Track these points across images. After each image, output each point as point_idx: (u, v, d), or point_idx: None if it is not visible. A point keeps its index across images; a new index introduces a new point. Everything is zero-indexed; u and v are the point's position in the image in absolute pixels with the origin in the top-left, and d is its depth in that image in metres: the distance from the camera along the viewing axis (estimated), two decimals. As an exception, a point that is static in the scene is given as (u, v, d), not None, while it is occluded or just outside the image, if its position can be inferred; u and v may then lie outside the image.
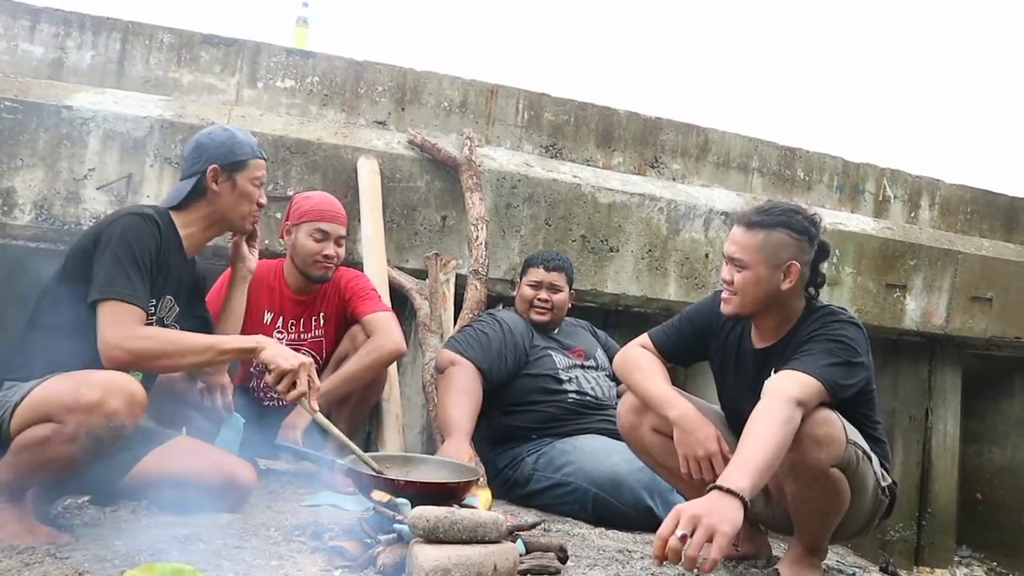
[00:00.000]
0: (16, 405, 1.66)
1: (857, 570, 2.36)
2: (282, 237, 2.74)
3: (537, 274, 2.95)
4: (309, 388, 1.83)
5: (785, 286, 1.87)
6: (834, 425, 1.73)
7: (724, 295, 1.94)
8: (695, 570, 1.42)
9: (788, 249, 1.86)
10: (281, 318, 2.68)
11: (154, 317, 1.93)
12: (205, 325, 2.16)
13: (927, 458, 4.39)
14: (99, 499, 1.99)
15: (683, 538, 1.40)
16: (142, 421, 2.15)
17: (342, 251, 2.67)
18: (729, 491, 1.47)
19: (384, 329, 2.58)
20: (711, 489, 1.49)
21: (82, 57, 3.27)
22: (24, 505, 1.72)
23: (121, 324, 1.76)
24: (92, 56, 3.28)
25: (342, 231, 2.65)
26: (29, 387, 1.69)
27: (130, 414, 1.66)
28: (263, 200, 2.10)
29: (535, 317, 2.94)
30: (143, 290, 1.83)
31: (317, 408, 1.87)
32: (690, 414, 1.90)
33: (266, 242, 2.95)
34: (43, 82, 3.16)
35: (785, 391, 1.68)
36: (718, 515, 1.42)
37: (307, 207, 2.64)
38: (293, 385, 1.82)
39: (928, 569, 4.19)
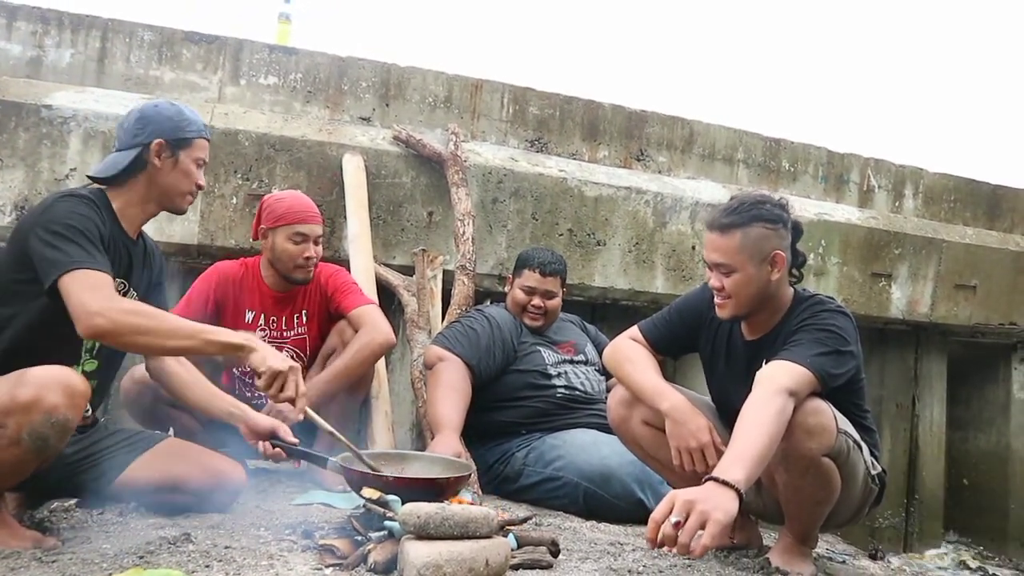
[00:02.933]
0: None
1: (847, 557, 2.38)
2: (255, 238, 2.71)
3: (531, 279, 2.88)
4: (296, 392, 1.78)
5: (775, 276, 1.88)
6: (825, 415, 1.74)
7: (717, 301, 1.92)
8: (686, 556, 1.42)
9: (769, 240, 1.86)
10: (263, 316, 2.66)
11: None
12: None
13: (914, 445, 4.43)
14: (88, 503, 1.97)
15: (677, 524, 1.41)
16: (127, 423, 2.14)
17: (321, 249, 2.65)
18: (724, 483, 1.47)
19: (371, 323, 2.57)
20: (707, 480, 1.49)
21: (61, 55, 3.23)
22: (4, 511, 1.69)
23: (98, 290, 1.63)
24: (71, 54, 3.24)
25: (319, 230, 2.63)
26: None
27: (72, 406, 1.58)
28: (202, 182, 1.96)
29: (528, 322, 2.92)
30: (103, 260, 1.70)
31: (306, 409, 1.85)
32: (681, 406, 1.90)
33: (234, 241, 2.93)
34: (21, 81, 3.11)
35: (776, 381, 1.68)
36: (713, 502, 1.43)
37: (282, 210, 2.59)
38: (282, 388, 1.77)
39: (917, 555, 4.23)
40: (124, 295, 1.90)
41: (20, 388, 1.56)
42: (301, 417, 1.87)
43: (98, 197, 1.85)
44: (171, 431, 2.38)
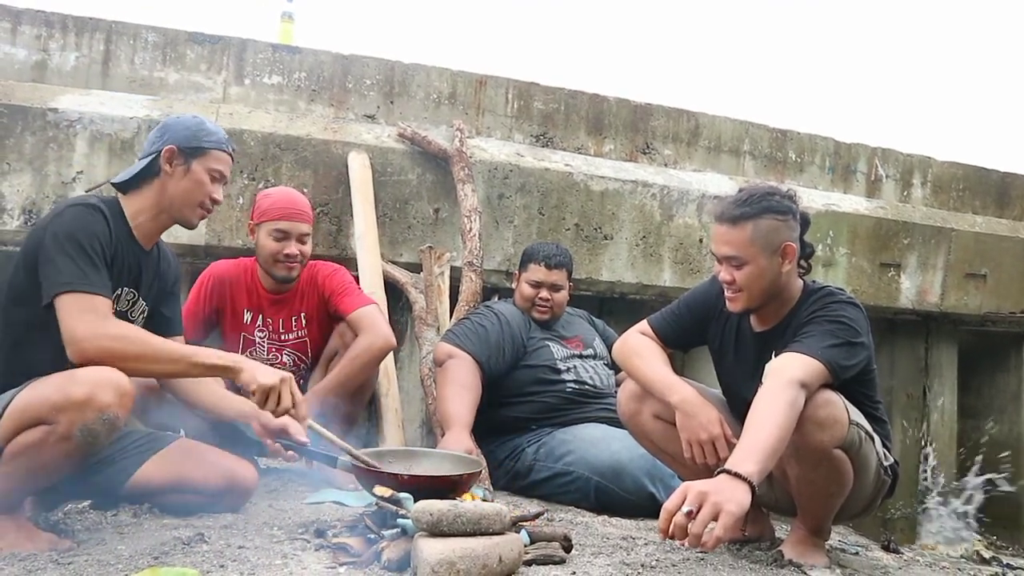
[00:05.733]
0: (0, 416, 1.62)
1: (860, 549, 2.37)
2: (249, 234, 2.68)
3: (538, 272, 2.90)
4: (293, 402, 1.78)
5: (785, 268, 1.87)
6: (836, 406, 1.73)
7: (728, 294, 1.91)
8: (699, 548, 1.42)
9: (779, 232, 1.85)
10: (260, 316, 2.65)
11: (115, 309, 1.82)
12: (170, 326, 2.04)
13: (925, 435, 4.41)
14: (103, 504, 1.98)
15: (689, 514, 1.41)
16: (134, 426, 2.15)
17: (307, 248, 2.59)
18: (737, 475, 1.47)
19: (371, 325, 2.54)
20: (719, 473, 1.49)
21: (66, 59, 3.24)
22: (21, 514, 1.71)
23: (87, 316, 1.65)
24: (76, 57, 3.25)
25: (304, 228, 2.57)
26: (9, 397, 1.65)
27: (121, 405, 1.62)
28: (217, 196, 1.94)
29: (536, 316, 2.93)
30: (99, 279, 1.71)
31: (310, 423, 1.86)
32: (692, 398, 1.90)
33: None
34: (27, 85, 3.12)
35: (788, 373, 1.67)
36: (726, 494, 1.43)
37: (266, 205, 2.58)
38: (278, 402, 1.76)
39: (929, 546, 4.21)
40: (133, 304, 1.92)
41: (74, 386, 1.59)
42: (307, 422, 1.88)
43: (110, 206, 1.85)
44: (181, 432, 2.38)
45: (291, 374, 1.82)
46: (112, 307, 1.77)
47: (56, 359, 1.68)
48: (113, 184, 1.94)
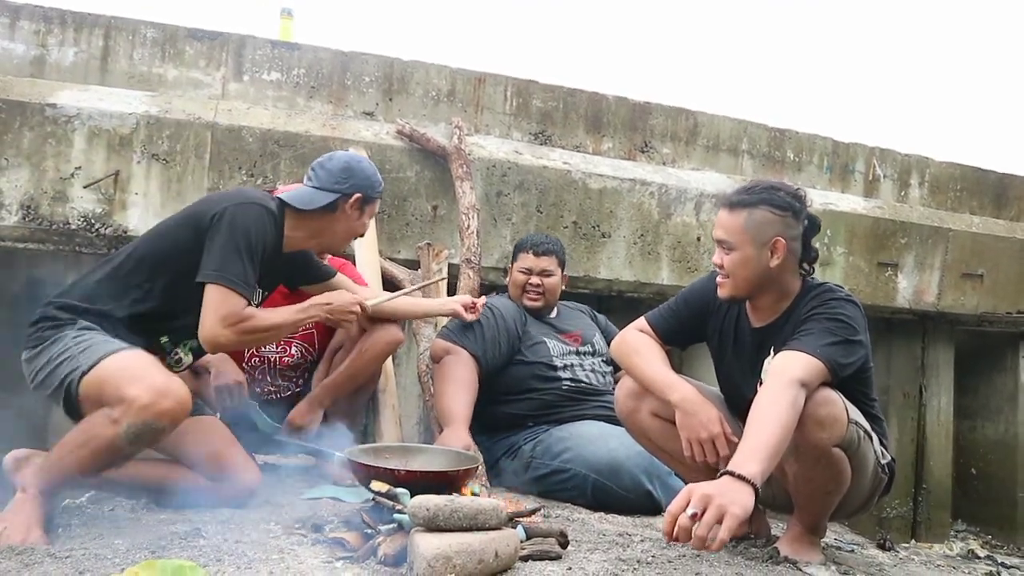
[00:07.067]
0: (84, 373, 1.71)
1: (855, 547, 2.38)
2: None
3: (527, 260, 2.93)
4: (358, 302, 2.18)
5: (773, 263, 1.87)
6: (836, 405, 1.73)
7: (718, 279, 1.94)
8: (703, 549, 1.42)
9: (772, 226, 1.85)
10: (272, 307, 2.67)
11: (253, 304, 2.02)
12: (319, 275, 2.34)
13: (922, 434, 4.42)
14: (103, 488, 1.99)
15: (693, 516, 1.41)
16: None
17: None
18: (741, 477, 1.47)
19: (379, 320, 2.57)
20: (722, 475, 1.49)
21: (64, 54, 3.24)
22: (47, 507, 1.74)
23: (230, 310, 1.86)
24: (75, 53, 3.24)
25: None
26: (100, 353, 1.74)
27: (173, 420, 1.72)
28: (364, 232, 2.25)
29: (527, 303, 2.93)
30: (251, 281, 1.92)
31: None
32: (691, 397, 1.90)
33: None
34: (25, 80, 3.12)
35: (788, 373, 1.67)
36: (730, 496, 1.43)
37: None
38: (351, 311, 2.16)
39: (925, 544, 4.22)
40: (258, 301, 2.12)
41: (140, 388, 1.67)
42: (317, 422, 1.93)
43: (280, 213, 2.05)
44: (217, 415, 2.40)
45: (357, 297, 2.18)
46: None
47: (170, 314, 1.92)
48: (282, 199, 2.08)
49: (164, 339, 1.99)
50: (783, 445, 1.60)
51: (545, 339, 2.88)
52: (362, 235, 2.23)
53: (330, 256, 2.72)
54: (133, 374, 1.71)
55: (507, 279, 3.07)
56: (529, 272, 2.93)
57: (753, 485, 1.47)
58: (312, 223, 2.10)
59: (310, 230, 2.11)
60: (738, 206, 1.87)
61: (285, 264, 2.16)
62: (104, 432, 1.68)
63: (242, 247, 1.87)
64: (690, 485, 1.48)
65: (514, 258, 3.02)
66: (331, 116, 3.45)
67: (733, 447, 1.65)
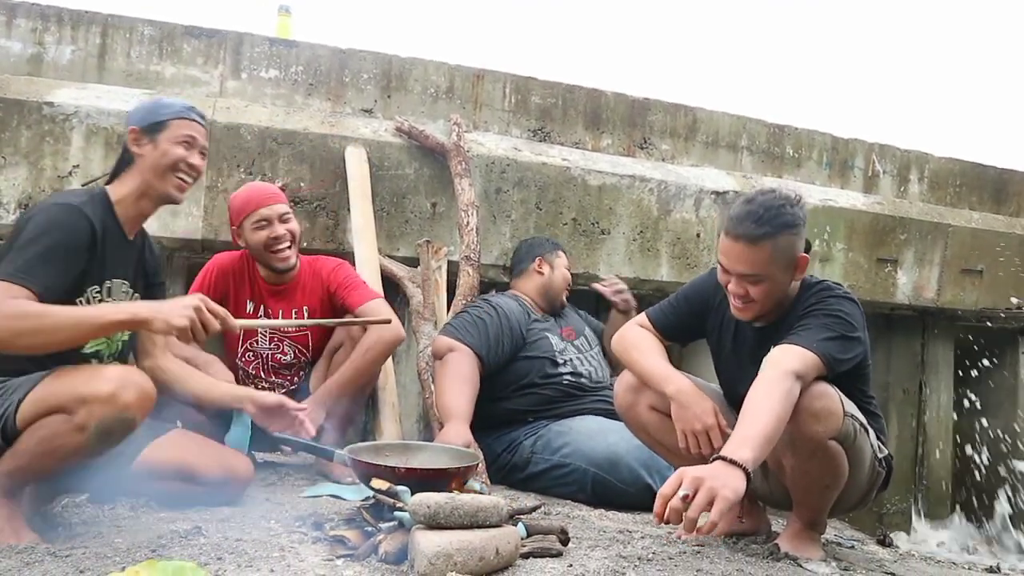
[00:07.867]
0: (20, 401, 1.64)
1: (856, 543, 2.38)
2: (236, 243, 2.67)
3: (566, 259, 3.19)
4: (217, 317, 1.72)
5: (798, 277, 1.88)
6: (831, 398, 1.74)
7: (737, 304, 1.89)
8: (694, 532, 1.43)
9: (795, 246, 1.84)
10: (262, 307, 2.66)
11: (98, 300, 1.84)
12: None
13: (921, 430, 4.42)
14: (98, 496, 1.98)
15: (684, 499, 1.41)
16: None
17: (293, 226, 2.61)
18: (732, 462, 1.48)
19: (381, 318, 2.56)
20: (715, 460, 1.50)
21: (62, 52, 3.23)
22: (17, 505, 1.70)
23: (2, 303, 1.60)
24: (72, 51, 3.23)
25: (282, 208, 2.59)
26: (33, 380, 1.67)
27: (141, 408, 1.64)
28: (192, 160, 1.93)
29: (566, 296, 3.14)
30: (43, 274, 1.68)
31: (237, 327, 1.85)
32: (687, 389, 1.91)
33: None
34: (23, 78, 3.11)
35: (784, 365, 1.68)
36: (721, 480, 1.44)
37: (238, 204, 2.60)
38: (205, 330, 1.70)
39: (925, 540, 4.22)
40: (131, 296, 1.93)
41: (99, 381, 1.61)
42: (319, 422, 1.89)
43: (98, 199, 1.87)
44: (178, 423, 2.39)
45: (202, 295, 1.75)
46: (73, 302, 1.75)
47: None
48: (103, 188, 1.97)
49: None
50: (776, 433, 1.61)
51: (548, 333, 2.89)
52: (190, 163, 1.93)
53: (321, 257, 2.72)
54: (85, 374, 1.65)
55: (540, 270, 3.10)
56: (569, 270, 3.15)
57: (745, 470, 1.48)
58: (127, 185, 1.92)
59: (129, 192, 1.91)
60: (762, 239, 1.80)
61: (142, 266, 2.00)
62: (69, 437, 1.61)
63: (27, 243, 1.69)
64: (682, 468, 1.49)
65: (550, 255, 3.13)
66: (329, 113, 3.44)
67: (727, 439, 1.65)
